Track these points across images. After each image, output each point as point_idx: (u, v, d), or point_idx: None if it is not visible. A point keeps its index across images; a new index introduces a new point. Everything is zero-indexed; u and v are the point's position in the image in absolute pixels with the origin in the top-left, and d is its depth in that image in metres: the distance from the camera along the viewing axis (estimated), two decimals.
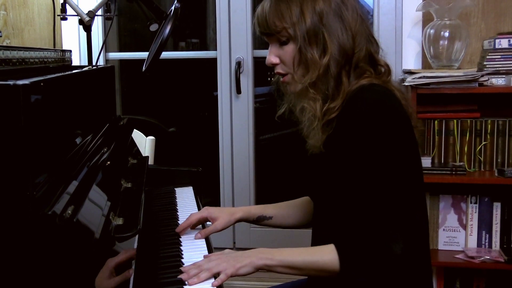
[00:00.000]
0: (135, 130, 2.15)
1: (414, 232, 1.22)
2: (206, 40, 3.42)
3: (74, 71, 1.45)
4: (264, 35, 1.37)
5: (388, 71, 1.36)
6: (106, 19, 2.56)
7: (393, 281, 1.24)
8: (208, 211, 1.57)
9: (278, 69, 1.37)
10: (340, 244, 1.23)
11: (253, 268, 1.25)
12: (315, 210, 1.48)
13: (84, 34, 2.35)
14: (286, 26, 1.30)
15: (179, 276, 1.22)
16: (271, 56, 1.36)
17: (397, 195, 1.21)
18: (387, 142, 1.22)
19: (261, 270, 1.27)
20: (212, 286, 1.20)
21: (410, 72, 2.30)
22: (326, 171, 1.34)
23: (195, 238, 1.51)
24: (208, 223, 1.60)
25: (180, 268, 1.26)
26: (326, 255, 1.23)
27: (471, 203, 2.36)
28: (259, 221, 1.61)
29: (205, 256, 1.32)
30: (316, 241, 1.45)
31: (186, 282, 1.21)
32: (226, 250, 1.31)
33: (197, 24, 3.41)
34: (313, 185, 1.45)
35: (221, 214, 1.56)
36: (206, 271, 1.23)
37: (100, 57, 2.45)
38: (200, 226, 1.60)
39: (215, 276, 1.23)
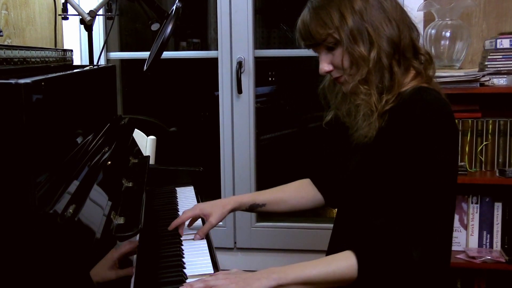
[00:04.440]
0: (136, 129, 2.15)
1: (435, 242, 1.21)
2: (207, 40, 3.42)
3: (75, 71, 1.45)
4: (310, 47, 1.37)
5: (430, 59, 1.37)
6: (107, 18, 2.56)
7: (410, 286, 1.23)
8: (199, 208, 1.57)
9: (334, 75, 1.37)
10: (359, 249, 1.21)
11: None
12: (338, 210, 1.48)
13: (85, 33, 2.35)
14: (330, 32, 1.30)
15: None
16: (323, 64, 1.36)
17: (430, 203, 1.20)
18: (438, 150, 1.22)
19: None
20: None
21: None
22: (369, 164, 1.33)
23: (194, 239, 1.51)
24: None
25: (184, 284, 1.20)
26: (343, 262, 1.20)
27: (472, 203, 2.35)
28: (252, 209, 1.61)
29: (211, 275, 1.26)
30: (336, 242, 1.44)
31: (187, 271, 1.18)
32: (234, 270, 1.24)
33: (198, 24, 3.41)
34: (343, 179, 1.44)
35: (214, 209, 1.55)
36: None
37: (101, 56, 2.46)
38: (200, 223, 1.60)
39: None
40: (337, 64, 1.34)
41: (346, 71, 1.33)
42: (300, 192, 1.62)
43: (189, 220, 1.58)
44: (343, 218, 1.44)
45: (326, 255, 1.43)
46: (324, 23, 1.30)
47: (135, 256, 1.22)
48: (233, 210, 1.59)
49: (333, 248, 1.44)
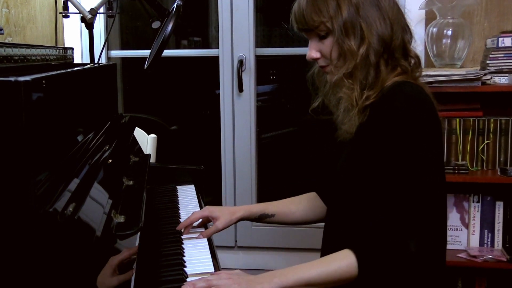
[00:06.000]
0: (137, 128, 2.15)
1: (430, 232, 1.21)
2: (208, 38, 3.41)
3: (76, 69, 1.45)
4: (302, 31, 1.38)
5: (418, 63, 1.37)
6: (108, 16, 2.56)
7: (409, 280, 1.22)
8: (209, 210, 1.57)
9: (320, 63, 1.38)
10: (357, 246, 1.21)
11: None
12: (328, 208, 1.47)
13: (86, 31, 2.35)
14: (323, 20, 1.31)
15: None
16: (312, 51, 1.37)
17: (419, 193, 1.20)
18: (420, 139, 1.22)
19: None
20: None
21: None
22: (353, 159, 1.33)
23: (197, 238, 1.50)
24: (209, 223, 1.60)
25: (186, 283, 1.20)
26: (343, 261, 1.20)
27: (473, 202, 2.35)
28: (261, 219, 1.61)
29: (212, 274, 1.25)
30: (328, 241, 1.44)
31: (187, 268, 1.19)
32: (236, 271, 1.23)
33: (199, 22, 3.40)
34: (332, 177, 1.44)
35: (222, 214, 1.55)
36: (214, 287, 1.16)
37: (102, 55, 2.45)
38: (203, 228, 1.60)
39: None
40: (325, 53, 1.35)
41: (333, 61, 1.34)
42: (308, 204, 1.62)
43: (197, 222, 1.58)
44: (334, 215, 1.44)
45: (321, 254, 1.43)
46: (320, 10, 1.31)
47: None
48: (242, 218, 1.59)
49: (327, 246, 1.44)
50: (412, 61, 1.36)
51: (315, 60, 1.38)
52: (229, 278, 1.18)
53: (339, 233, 1.38)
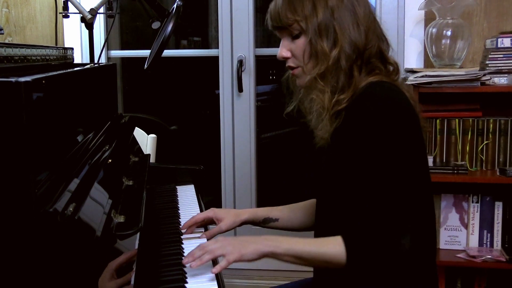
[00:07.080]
0: (136, 128, 2.15)
1: (421, 228, 1.22)
2: (208, 38, 3.42)
3: (76, 69, 1.45)
4: (276, 29, 1.38)
5: (397, 69, 1.38)
6: (108, 16, 2.56)
7: (399, 276, 1.24)
8: (213, 211, 1.57)
9: (290, 63, 1.38)
10: (348, 236, 1.23)
11: (259, 255, 1.24)
12: (317, 207, 1.48)
13: (86, 32, 2.35)
14: (298, 19, 1.31)
15: (183, 261, 1.24)
16: (283, 50, 1.37)
17: (404, 189, 1.21)
18: (396, 137, 1.22)
19: (267, 258, 1.25)
20: (212, 272, 1.22)
21: (412, 71, 2.30)
22: (333, 164, 1.34)
23: (200, 238, 1.51)
24: (212, 226, 1.60)
25: (186, 281, 1.24)
26: (333, 247, 1.22)
27: (472, 202, 2.35)
28: (265, 223, 1.62)
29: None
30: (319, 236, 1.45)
31: (188, 265, 1.23)
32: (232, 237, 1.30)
33: (199, 22, 3.41)
34: (318, 180, 1.44)
35: (227, 215, 1.56)
36: (209, 253, 1.23)
37: (102, 55, 2.45)
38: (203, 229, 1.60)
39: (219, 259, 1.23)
40: (297, 53, 1.35)
41: (304, 62, 1.34)
42: (311, 209, 1.62)
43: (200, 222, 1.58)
44: (322, 220, 1.44)
45: None
46: (295, 9, 1.31)
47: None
48: (247, 221, 1.60)
49: None
50: (391, 68, 1.37)
51: (285, 59, 1.38)
52: (224, 240, 1.25)
53: (327, 233, 1.38)
